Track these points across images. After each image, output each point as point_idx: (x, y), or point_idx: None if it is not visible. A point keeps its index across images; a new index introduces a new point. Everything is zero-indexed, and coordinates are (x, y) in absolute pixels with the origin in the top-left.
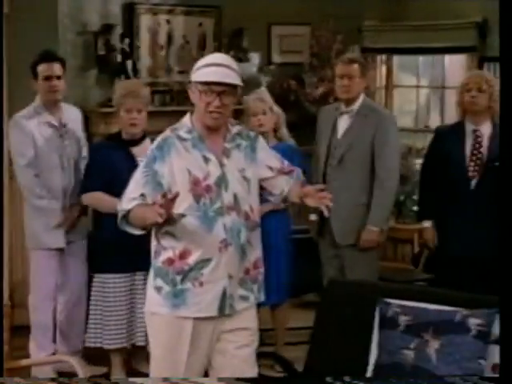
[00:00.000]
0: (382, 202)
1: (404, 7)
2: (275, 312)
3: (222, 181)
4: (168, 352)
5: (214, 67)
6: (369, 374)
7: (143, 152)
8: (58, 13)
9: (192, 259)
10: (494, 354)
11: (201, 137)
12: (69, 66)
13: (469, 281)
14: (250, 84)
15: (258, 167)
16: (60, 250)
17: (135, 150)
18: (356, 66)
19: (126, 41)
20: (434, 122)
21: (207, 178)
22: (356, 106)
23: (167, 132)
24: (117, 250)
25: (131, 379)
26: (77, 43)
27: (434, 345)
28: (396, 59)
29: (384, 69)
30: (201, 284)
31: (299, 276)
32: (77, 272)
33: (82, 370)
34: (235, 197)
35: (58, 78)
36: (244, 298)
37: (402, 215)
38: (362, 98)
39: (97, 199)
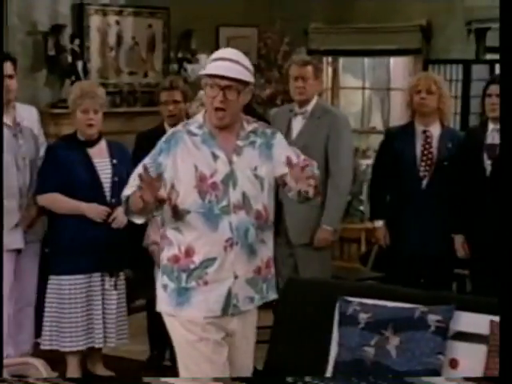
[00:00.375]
0: (336, 202)
1: (350, 10)
2: None
3: (229, 178)
4: (184, 349)
5: (220, 61)
6: (329, 371)
7: (99, 153)
8: (8, 12)
9: (197, 257)
10: (452, 349)
11: (211, 133)
12: (18, 66)
13: (420, 279)
14: (198, 85)
15: (274, 164)
16: (17, 251)
17: (91, 151)
18: (310, 67)
19: (76, 41)
20: (377, 123)
21: (214, 175)
22: (310, 107)
23: (179, 126)
24: (72, 251)
25: (163, 379)
26: (26, 43)
27: (393, 341)
28: (342, 61)
29: (330, 71)
30: (205, 283)
31: None
32: (29, 274)
33: (46, 373)
34: (244, 195)
35: (10, 77)
36: (250, 299)
37: (349, 215)
38: (315, 99)
39: (52, 200)
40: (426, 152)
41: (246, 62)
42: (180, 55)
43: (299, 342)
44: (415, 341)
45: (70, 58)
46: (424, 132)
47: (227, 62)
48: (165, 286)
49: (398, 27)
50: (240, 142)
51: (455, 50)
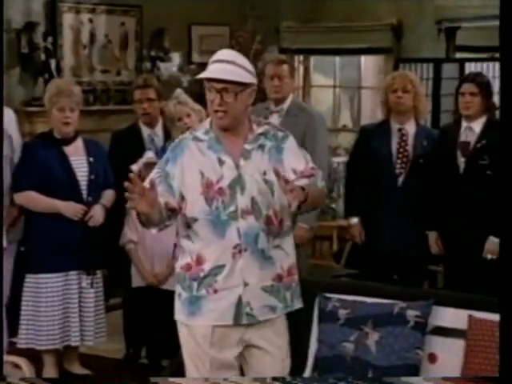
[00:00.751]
0: None
1: (321, 9)
2: None
3: (237, 183)
4: (192, 361)
5: (217, 64)
6: (309, 367)
7: (75, 151)
8: None
9: (207, 265)
10: (431, 344)
11: (218, 138)
12: None
13: (393, 275)
14: (171, 84)
15: (283, 169)
16: None
17: (67, 149)
18: (286, 66)
19: (49, 39)
20: (346, 121)
21: (220, 180)
22: (285, 105)
23: (186, 133)
24: (49, 249)
25: (171, 379)
26: None
27: (373, 337)
28: (313, 60)
29: (301, 69)
30: (215, 291)
31: None
32: (5, 273)
33: (29, 372)
34: (253, 200)
35: None
36: (271, 308)
37: (321, 213)
38: (290, 97)
39: (29, 198)
40: (401, 150)
41: (244, 62)
42: (153, 53)
43: None
44: (394, 336)
45: (43, 56)
46: (399, 130)
47: (223, 63)
48: (179, 295)
49: (368, 26)
50: (248, 146)
51: (426, 49)
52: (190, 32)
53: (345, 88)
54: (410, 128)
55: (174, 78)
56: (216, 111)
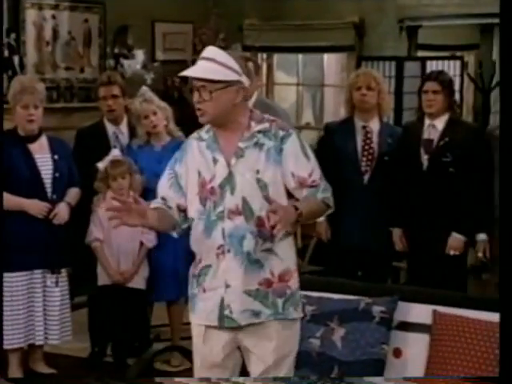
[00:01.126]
0: None
1: (284, 7)
2: (171, 308)
3: (228, 183)
4: (197, 360)
5: (199, 61)
6: None
7: (40, 149)
8: None
9: (200, 264)
10: (396, 339)
11: (215, 136)
12: None
13: (357, 271)
14: (134, 81)
15: (283, 172)
16: None
17: (32, 147)
18: (251, 64)
19: (13, 35)
20: (309, 119)
21: (213, 180)
22: (250, 103)
23: (194, 133)
24: (13, 248)
25: (177, 379)
26: None
27: (339, 332)
28: (276, 58)
29: (264, 67)
30: (204, 290)
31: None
32: None
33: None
34: (244, 200)
35: None
36: (254, 313)
37: None
38: (255, 95)
39: None
40: (366, 147)
41: (226, 59)
42: (116, 51)
43: None
44: (360, 331)
45: (6, 53)
46: (364, 127)
47: (203, 61)
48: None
49: (331, 24)
50: (242, 144)
51: (388, 48)
52: (154, 29)
53: (307, 86)
54: (374, 125)
55: (137, 76)
56: (197, 108)
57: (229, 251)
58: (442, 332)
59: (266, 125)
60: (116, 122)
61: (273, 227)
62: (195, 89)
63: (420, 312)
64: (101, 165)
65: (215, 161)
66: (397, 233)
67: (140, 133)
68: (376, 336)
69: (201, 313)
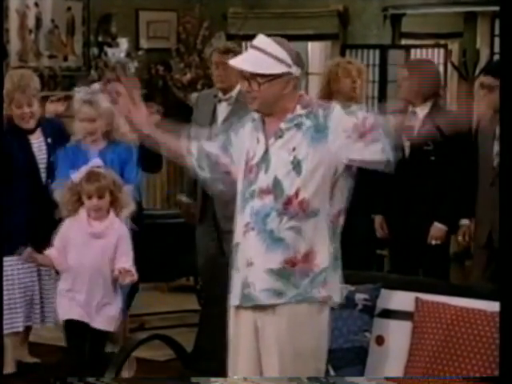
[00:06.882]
0: None
1: None
2: None
3: (263, 162)
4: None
5: (249, 50)
6: None
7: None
8: None
9: (233, 242)
10: (379, 326)
11: (262, 118)
12: None
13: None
14: (120, 69)
15: (329, 149)
16: None
17: (31, 137)
18: (231, 55)
19: None
20: None
21: (253, 158)
22: (234, 93)
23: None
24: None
25: (213, 379)
26: None
27: None
28: None
29: None
30: (236, 269)
31: (171, 261)
32: None
33: None
34: (275, 179)
35: None
36: (275, 293)
37: None
38: (239, 85)
39: None
40: None
41: (276, 50)
42: (100, 39)
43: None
44: (343, 319)
45: None
46: None
47: (253, 50)
48: None
49: (315, 12)
50: (283, 125)
51: (372, 36)
52: (138, 17)
53: None
54: None
55: (121, 64)
56: (246, 96)
57: (253, 229)
58: (425, 319)
59: (309, 108)
60: None
61: None
62: (244, 77)
63: (402, 299)
64: (75, 176)
65: (258, 140)
66: (378, 220)
67: (76, 130)
68: (359, 324)
69: (233, 291)
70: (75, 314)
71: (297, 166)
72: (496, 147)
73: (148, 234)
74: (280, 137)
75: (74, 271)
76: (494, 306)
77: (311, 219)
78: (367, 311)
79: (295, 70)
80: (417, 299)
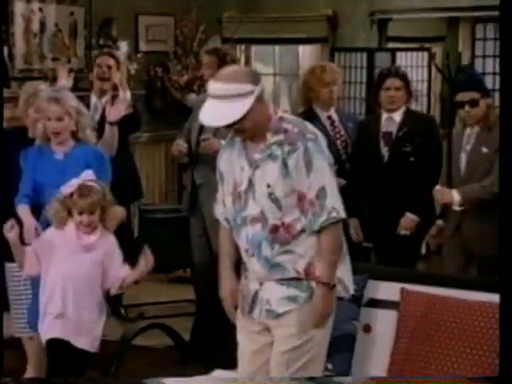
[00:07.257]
0: None
1: (262, 0)
2: None
3: (250, 190)
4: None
5: (211, 101)
6: None
7: None
8: None
9: (241, 255)
10: (366, 315)
11: (245, 142)
12: None
13: None
14: None
15: (294, 184)
16: None
17: None
18: (214, 56)
19: (2, 27)
20: (285, 107)
21: (241, 185)
22: None
23: (230, 133)
24: None
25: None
26: None
27: None
28: (254, 49)
29: (243, 58)
30: (246, 277)
31: (169, 253)
32: None
33: None
34: (261, 210)
35: None
36: (291, 299)
37: None
38: None
39: None
40: (337, 135)
41: (236, 88)
42: (101, 42)
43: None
44: None
45: None
46: (329, 117)
47: (215, 102)
48: None
49: (306, 17)
50: (257, 155)
51: (359, 39)
52: (137, 22)
53: (284, 76)
54: (334, 115)
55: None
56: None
57: (253, 255)
58: (410, 308)
59: (281, 137)
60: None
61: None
62: (226, 126)
63: (389, 290)
64: (65, 190)
65: (242, 169)
66: (353, 223)
67: (39, 130)
68: (347, 313)
69: (242, 297)
70: (58, 332)
71: (275, 200)
72: (463, 154)
73: (148, 228)
74: (257, 167)
75: (58, 285)
76: (476, 296)
77: (301, 236)
78: (355, 301)
79: (257, 88)
80: (402, 289)
